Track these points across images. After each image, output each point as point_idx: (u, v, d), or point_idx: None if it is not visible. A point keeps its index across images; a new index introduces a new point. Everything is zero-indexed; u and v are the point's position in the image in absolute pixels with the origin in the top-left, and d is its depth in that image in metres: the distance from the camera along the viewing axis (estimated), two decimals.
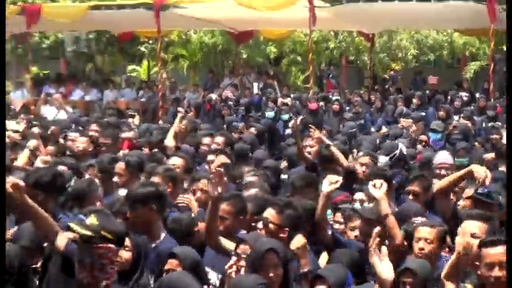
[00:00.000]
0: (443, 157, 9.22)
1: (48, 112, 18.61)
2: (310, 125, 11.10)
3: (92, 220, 4.87)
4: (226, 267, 5.32)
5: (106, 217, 5.13)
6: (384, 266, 4.66)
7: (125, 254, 5.28)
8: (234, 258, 5.34)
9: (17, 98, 25.49)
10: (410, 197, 7.46)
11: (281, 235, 5.66)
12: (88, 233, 4.53)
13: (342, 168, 9.19)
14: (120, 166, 8.00)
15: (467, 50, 33.55)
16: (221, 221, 6.07)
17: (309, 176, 8.35)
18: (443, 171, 8.51)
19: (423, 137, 13.42)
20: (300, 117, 12.31)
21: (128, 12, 23.58)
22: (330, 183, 6.27)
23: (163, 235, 6.08)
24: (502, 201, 6.44)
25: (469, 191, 6.99)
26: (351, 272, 5.38)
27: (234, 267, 5.25)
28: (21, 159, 9.22)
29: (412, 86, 27.81)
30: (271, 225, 5.71)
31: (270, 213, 5.82)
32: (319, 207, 6.33)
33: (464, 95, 21.05)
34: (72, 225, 4.61)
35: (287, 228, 5.74)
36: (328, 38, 31.59)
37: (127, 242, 5.12)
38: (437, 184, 7.41)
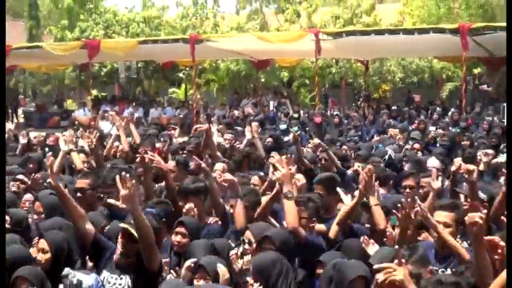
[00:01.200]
0: (432, 162, 9.22)
1: (105, 126, 18.69)
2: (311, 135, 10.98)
3: None
4: (232, 252, 5.29)
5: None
6: None
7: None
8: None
9: (80, 114, 25.69)
10: (408, 190, 7.34)
11: (311, 225, 5.65)
12: None
13: (336, 169, 9.07)
14: (171, 164, 7.92)
15: (444, 73, 33.40)
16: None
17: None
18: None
19: (417, 146, 13.24)
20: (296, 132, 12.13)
21: (169, 46, 23.81)
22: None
23: (209, 218, 6.25)
24: (483, 196, 6.31)
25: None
26: (358, 259, 5.23)
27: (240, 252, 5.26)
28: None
29: (403, 103, 27.80)
30: (302, 220, 5.60)
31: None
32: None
33: (438, 110, 21.06)
34: (125, 227, 4.65)
35: (314, 218, 5.73)
36: (330, 65, 31.52)
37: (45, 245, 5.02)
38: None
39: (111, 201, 4.87)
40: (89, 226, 5.01)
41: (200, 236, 5.76)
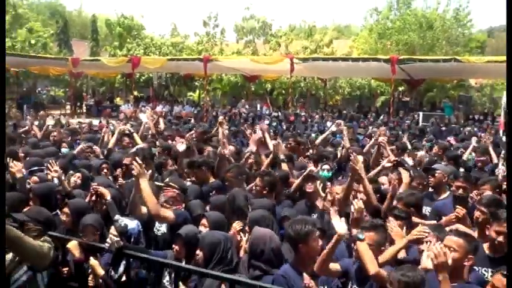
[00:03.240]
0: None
1: (142, 117, 18.56)
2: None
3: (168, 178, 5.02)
4: None
5: (175, 176, 5.34)
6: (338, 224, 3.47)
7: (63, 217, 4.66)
8: None
9: (125, 108, 25.47)
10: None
11: (264, 192, 5.28)
12: (161, 184, 4.49)
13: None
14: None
15: (378, 89, 33.48)
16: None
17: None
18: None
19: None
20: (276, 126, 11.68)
21: (189, 63, 23.91)
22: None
23: (212, 179, 5.98)
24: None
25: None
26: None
27: None
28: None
29: (351, 108, 27.87)
30: (257, 188, 5.37)
31: (257, 180, 5.46)
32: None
33: (373, 115, 21.17)
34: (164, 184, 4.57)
35: (267, 188, 5.31)
36: (300, 80, 31.49)
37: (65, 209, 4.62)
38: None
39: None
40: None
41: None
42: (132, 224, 4.22)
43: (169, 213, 4.48)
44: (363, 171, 4.94)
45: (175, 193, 4.87)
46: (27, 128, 11.18)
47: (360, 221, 3.75)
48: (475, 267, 3.68)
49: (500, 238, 3.71)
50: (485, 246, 3.88)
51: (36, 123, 12.54)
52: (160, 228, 4.67)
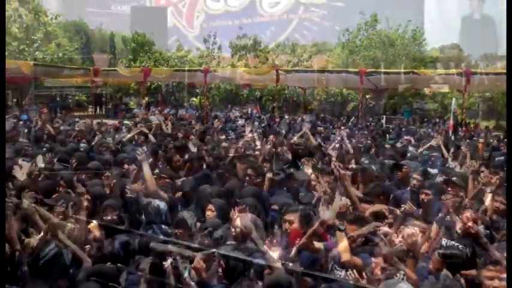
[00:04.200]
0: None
1: (153, 119, 18.48)
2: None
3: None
4: None
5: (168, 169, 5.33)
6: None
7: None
8: None
9: (138, 111, 25.31)
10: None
11: (256, 180, 5.29)
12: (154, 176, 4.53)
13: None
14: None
15: (349, 96, 33.51)
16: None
17: None
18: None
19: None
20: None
21: (191, 73, 23.79)
22: None
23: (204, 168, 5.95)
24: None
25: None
26: None
27: None
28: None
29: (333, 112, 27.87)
30: (252, 177, 5.35)
31: (249, 171, 5.42)
32: None
33: (345, 118, 21.22)
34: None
35: (260, 176, 5.36)
36: (284, 88, 31.41)
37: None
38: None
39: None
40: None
41: None
42: (162, 204, 4.29)
43: (163, 194, 4.61)
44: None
45: (167, 182, 5.03)
46: (39, 126, 11.33)
47: (344, 214, 3.74)
48: (444, 239, 3.99)
49: (470, 223, 3.95)
50: (458, 226, 4.13)
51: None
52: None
